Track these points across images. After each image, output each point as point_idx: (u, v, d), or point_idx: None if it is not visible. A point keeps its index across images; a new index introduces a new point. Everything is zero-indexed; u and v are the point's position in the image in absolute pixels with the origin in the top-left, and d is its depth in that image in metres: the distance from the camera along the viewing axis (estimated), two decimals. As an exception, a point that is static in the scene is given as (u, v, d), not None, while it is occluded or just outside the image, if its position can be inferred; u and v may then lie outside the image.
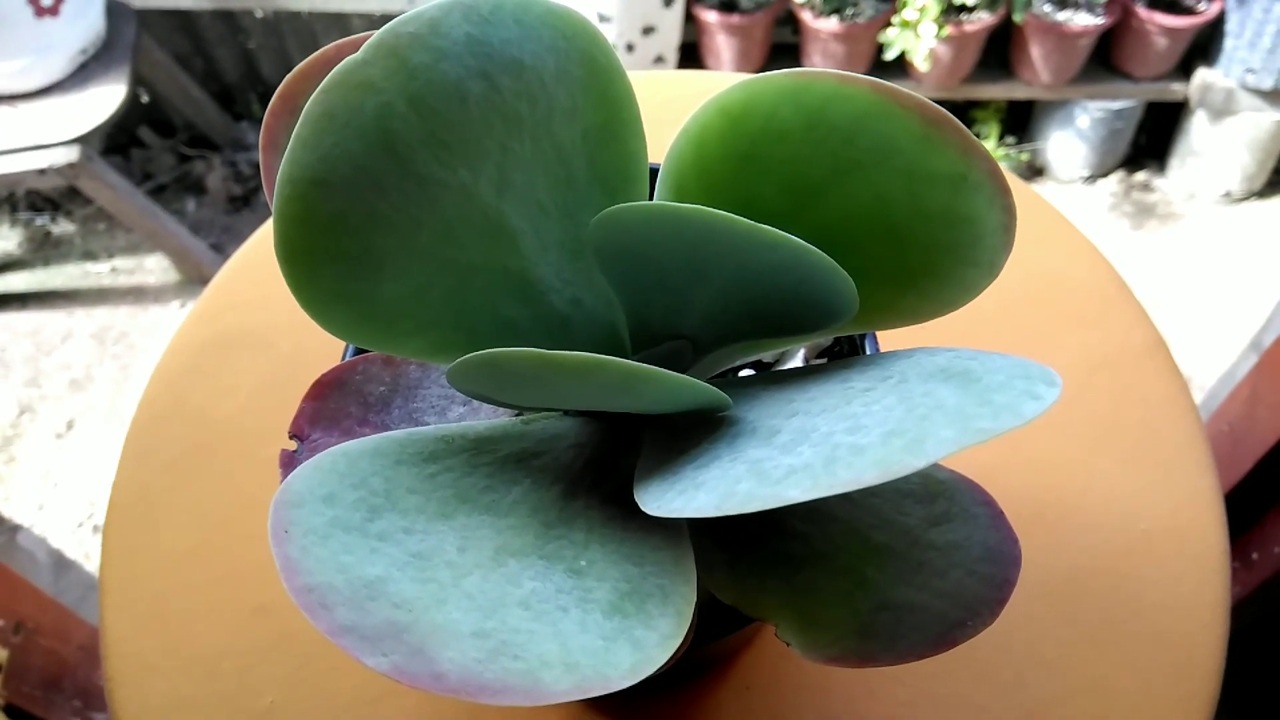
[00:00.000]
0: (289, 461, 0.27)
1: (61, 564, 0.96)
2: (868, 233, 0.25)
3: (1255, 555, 0.67)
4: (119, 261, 1.50)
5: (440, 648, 0.19)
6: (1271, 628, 0.70)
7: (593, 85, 0.24)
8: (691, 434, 0.24)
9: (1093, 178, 1.56)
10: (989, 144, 1.51)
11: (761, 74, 0.24)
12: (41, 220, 1.55)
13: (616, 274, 0.25)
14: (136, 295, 1.45)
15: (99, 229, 1.53)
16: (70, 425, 1.29)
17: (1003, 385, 0.20)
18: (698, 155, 0.25)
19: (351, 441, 0.23)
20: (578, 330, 0.26)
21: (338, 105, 0.21)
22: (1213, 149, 1.48)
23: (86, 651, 0.84)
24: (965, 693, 0.36)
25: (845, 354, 0.32)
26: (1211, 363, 1.28)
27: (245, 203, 1.56)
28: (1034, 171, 1.59)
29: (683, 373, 0.27)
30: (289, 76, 0.25)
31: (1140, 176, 1.58)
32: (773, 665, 0.36)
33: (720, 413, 0.24)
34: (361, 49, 0.21)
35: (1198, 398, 0.87)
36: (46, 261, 1.50)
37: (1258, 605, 0.68)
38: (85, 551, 1.15)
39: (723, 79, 0.56)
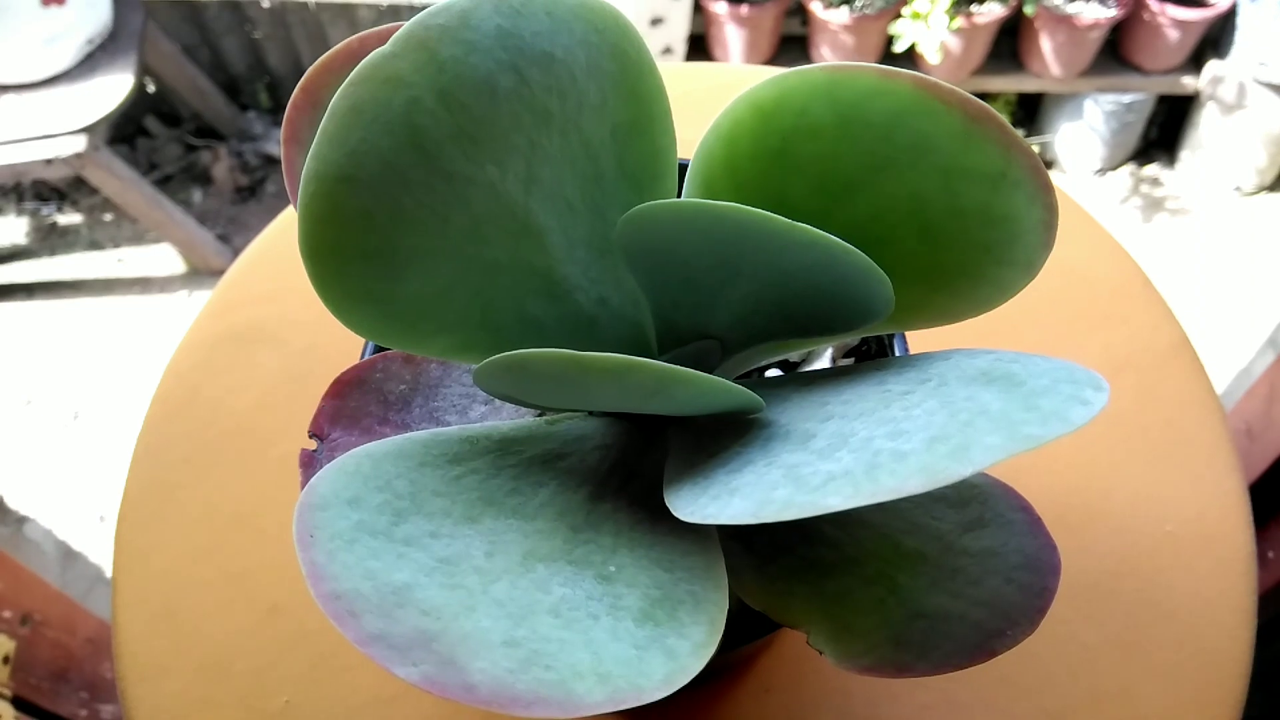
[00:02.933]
0: (309, 461, 0.26)
1: (68, 555, 0.96)
2: (902, 231, 0.25)
3: (1271, 554, 0.67)
4: (125, 251, 1.50)
5: (471, 657, 0.18)
6: (1287, 627, 0.70)
7: (623, 80, 0.23)
8: (720, 436, 0.24)
9: (1103, 171, 1.56)
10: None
11: (795, 69, 0.23)
12: (48, 210, 1.54)
13: (644, 272, 0.25)
14: (143, 285, 1.45)
15: (105, 219, 1.53)
16: (76, 416, 1.29)
17: (1048, 390, 0.19)
18: (728, 152, 0.25)
19: (374, 442, 0.23)
20: (604, 329, 0.26)
21: (365, 100, 0.20)
22: (1224, 142, 1.47)
23: (93, 643, 0.83)
24: (988, 697, 0.35)
25: (873, 354, 0.32)
26: (1226, 358, 1.28)
27: (251, 193, 1.55)
28: (1044, 164, 1.58)
29: (710, 373, 0.27)
30: (311, 69, 0.24)
31: (1151, 170, 1.57)
32: (793, 667, 0.36)
33: (751, 414, 0.24)
34: (390, 41, 0.20)
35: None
36: (53, 251, 1.50)
37: (1273, 604, 0.68)
38: (92, 543, 1.15)
39: (741, 72, 0.55)
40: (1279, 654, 0.74)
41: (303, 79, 0.24)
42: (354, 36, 0.24)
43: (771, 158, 0.25)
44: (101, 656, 0.83)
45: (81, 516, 1.18)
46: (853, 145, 0.23)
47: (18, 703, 0.74)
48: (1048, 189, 0.22)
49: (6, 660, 0.74)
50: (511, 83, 0.21)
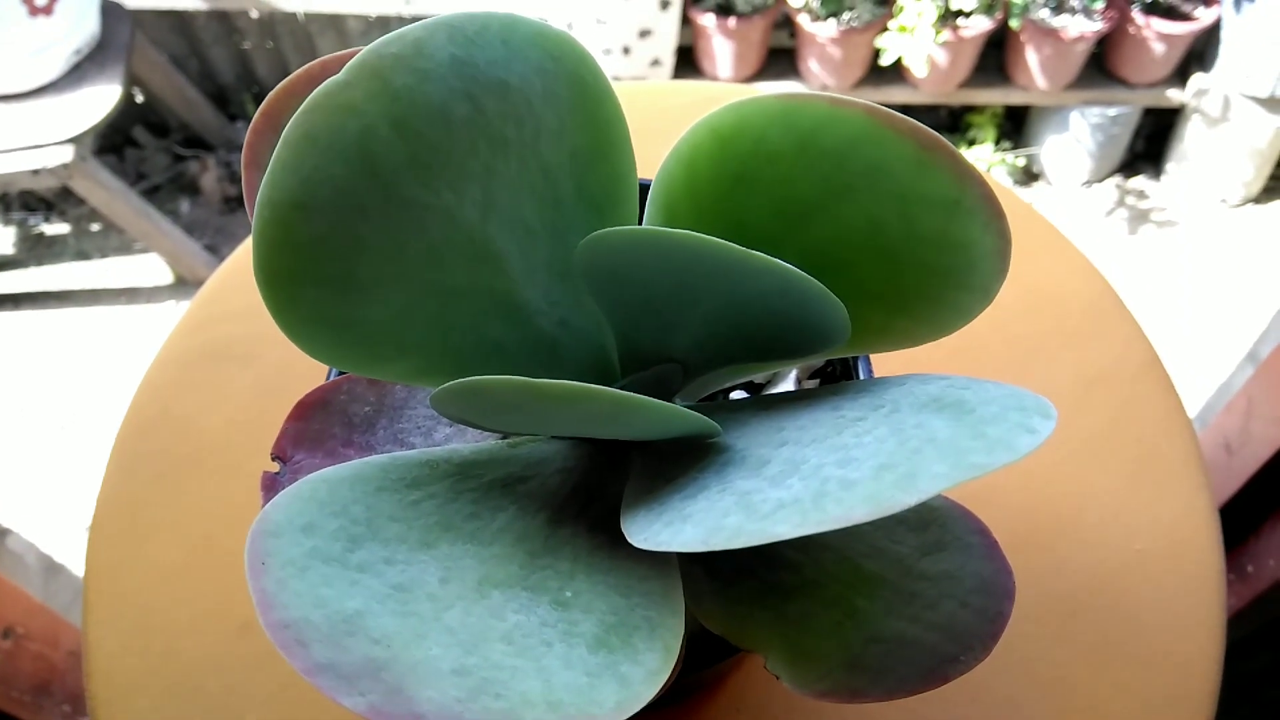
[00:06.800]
0: (271, 484, 0.26)
1: (51, 568, 0.96)
2: (860, 256, 0.25)
3: (1250, 568, 0.67)
4: (112, 262, 1.49)
5: (419, 686, 0.18)
6: (1267, 640, 0.70)
7: (581, 106, 0.24)
8: (680, 459, 0.24)
9: (1089, 183, 1.56)
10: (985, 149, 1.51)
11: (752, 96, 0.23)
12: (35, 220, 1.54)
13: (605, 297, 0.25)
14: (130, 296, 1.44)
15: (93, 229, 1.53)
16: (62, 427, 1.28)
17: (997, 417, 0.19)
18: (688, 176, 0.25)
19: (332, 467, 0.23)
20: (565, 352, 0.26)
21: (319, 127, 0.20)
22: (1209, 155, 1.48)
23: (76, 656, 0.83)
24: (959, 714, 0.36)
25: (838, 375, 0.32)
26: (1207, 371, 1.28)
27: (239, 203, 1.55)
28: (1030, 177, 1.58)
29: (673, 395, 0.27)
30: (272, 94, 0.24)
31: (1136, 182, 1.58)
32: (763, 687, 0.36)
33: (710, 439, 0.24)
34: (344, 70, 0.20)
35: (1194, 407, 0.87)
36: (40, 262, 1.49)
37: (1253, 618, 0.68)
38: (76, 555, 1.14)
39: (713, 90, 0.56)
40: (1263, 666, 0.74)
41: (263, 103, 0.24)
42: (315, 61, 0.24)
43: (731, 182, 0.25)
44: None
45: (66, 529, 1.18)
46: (810, 171, 0.24)
47: (-1, 716, 0.73)
48: (1000, 216, 0.23)
49: (-12, 673, 0.73)
50: (466, 110, 0.21)
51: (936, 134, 0.22)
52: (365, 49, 0.21)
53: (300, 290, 0.22)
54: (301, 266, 0.21)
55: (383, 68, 0.20)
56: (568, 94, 0.23)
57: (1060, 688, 0.36)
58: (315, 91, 0.20)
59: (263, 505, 0.25)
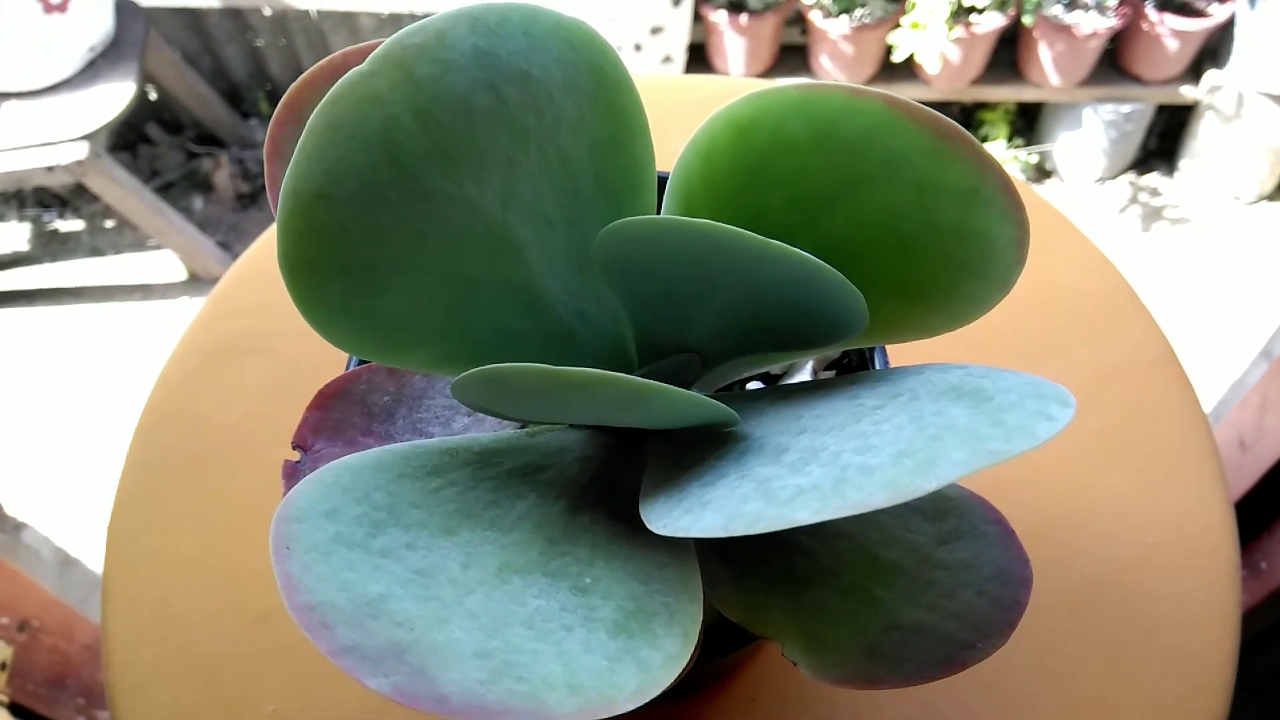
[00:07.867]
0: (292, 473, 0.27)
1: (66, 562, 0.96)
2: (877, 246, 0.25)
3: (1264, 564, 0.67)
4: (126, 258, 1.50)
5: (442, 668, 0.18)
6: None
7: (600, 97, 0.24)
8: (698, 448, 0.24)
9: (1102, 180, 1.56)
10: (998, 146, 1.50)
11: (769, 87, 0.24)
12: (49, 217, 1.55)
13: (623, 286, 0.25)
14: (144, 292, 1.45)
15: (106, 226, 1.54)
16: (76, 422, 1.29)
17: (1015, 405, 0.19)
18: (706, 168, 0.25)
19: (354, 455, 0.23)
20: (583, 342, 0.26)
21: (343, 118, 0.20)
22: (1223, 152, 1.47)
23: (91, 650, 0.84)
24: (972, 707, 0.36)
25: (854, 366, 0.32)
26: (1223, 368, 1.28)
27: (252, 200, 1.56)
28: (1043, 174, 1.58)
29: (690, 385, 0.27)
30: (294, 85, 0.24)
31: (1150, 179, 1.57)
32: (777, 677, 0.36)
33: (727, 428, 0.24)
34: (367, 60, 0.21)
35: (1208, 404, 0.87)
36: (54, 258, 1.50)
37: (1266, 614, 0.68)
38: (90, 549, 1.15)
39: (730, 85, 0.56)
40: (1274, 663, 0.74)
41: (286, 94, 0.24)
42: (337, 53, 0.25)
43: (748, 173, 0.25)
44: (98, 663, 0.83)
45: (80, 523, 1.18)
46: (828, 161, 0.24)
47: (15, 709, 0.74)
48: (1019, 206, 0.23)
49: (4, 667, 0.74)
50: (488, 101, 0.22)
51: (955, 123, 0.22)
52: (388, 40, 0.21)
53: (323, 279, 0.22)
54: (324, 256, 0.21)
55: (406, 58, 0.21)
56: (588, 85, 0.23)
57: (1072, 681, 0.36)
58: (339, 82, 0.20)
59: (284, 493, 0.26)
